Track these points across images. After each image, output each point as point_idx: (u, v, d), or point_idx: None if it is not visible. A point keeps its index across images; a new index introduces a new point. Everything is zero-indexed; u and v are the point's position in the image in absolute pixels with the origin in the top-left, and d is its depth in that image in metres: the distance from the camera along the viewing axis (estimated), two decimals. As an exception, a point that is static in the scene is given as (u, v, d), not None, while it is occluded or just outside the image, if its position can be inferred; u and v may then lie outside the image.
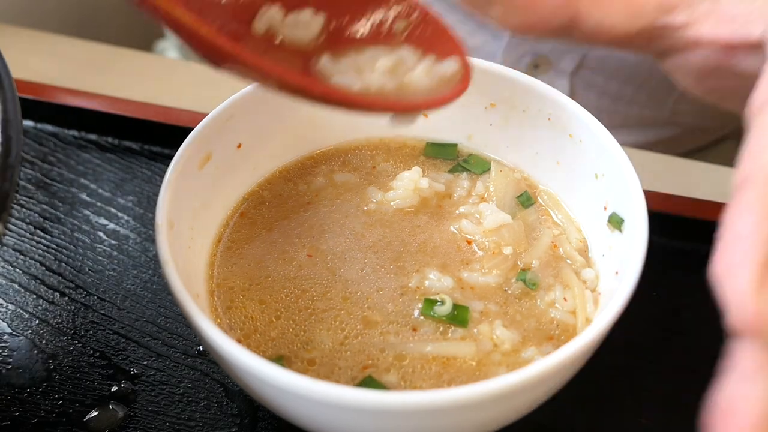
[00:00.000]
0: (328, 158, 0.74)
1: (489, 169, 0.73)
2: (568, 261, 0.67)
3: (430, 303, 0.64)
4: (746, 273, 0.49)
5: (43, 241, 0.78)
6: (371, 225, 0.69)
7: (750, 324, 0.49)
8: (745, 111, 0.58)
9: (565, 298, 0.65)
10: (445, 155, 0.74)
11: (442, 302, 0.64)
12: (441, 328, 0.63)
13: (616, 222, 0.65)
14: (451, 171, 0.73)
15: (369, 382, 0.60)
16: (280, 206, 0.71)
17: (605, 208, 0.66)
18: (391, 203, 0.71)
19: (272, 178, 0.73)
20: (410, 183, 0.71)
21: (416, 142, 0.75)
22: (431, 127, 0.75)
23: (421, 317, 0.63)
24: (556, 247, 0.68)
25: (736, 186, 0.54)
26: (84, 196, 0.82)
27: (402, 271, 0.66)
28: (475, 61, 0.71)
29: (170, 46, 1.26)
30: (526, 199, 0.71)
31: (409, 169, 0.72)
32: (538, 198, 0.71)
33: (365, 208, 0.71)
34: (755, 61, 0.61)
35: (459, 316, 0.63)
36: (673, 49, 0.67)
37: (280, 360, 0.61)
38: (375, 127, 0.75)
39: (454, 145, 0.75)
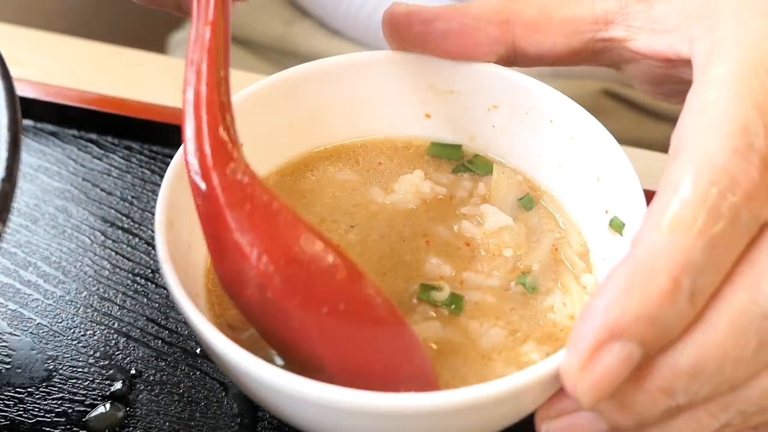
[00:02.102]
0: (330, 156, 0.74)
1: (492, 170, 0.72)
2: (568, 265, 0.67)
3: (426, 288, 0.64)
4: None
5: (43, 240, 0.78)
6: (371, 225, 0.69)
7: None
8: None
9: (564, 303, 0.65)
10: (449, 156, 0.74)
11: (440, 288, 0.64)
12: (440, 328, 0.63)
13: (617, 226, 0.65)
14: (453, 171, 0.73)
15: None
16: (281, 204, 0.71)
17: (606, 212, 0.66)
18: (393, 204, 0.70)
19: (273, 175, 0.73)
20: (411, 186, 0.71)
21: (421, 141, 0.75)
22: (433, 127, 0.74)
23: (417, 303, 0.64)
24: (557, 250, 0.68)
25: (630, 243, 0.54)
26: (83, 195, 0.82)
27: (401, 270, 0.66)
28: (476, 62, 0.71)
29: (185, 40, 1.24)
30: (527, 202, 0.71)
31: (411, 172, 0.72)
32: (540, 201, 0.71)
33: (366, 207, 0.70)
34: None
35: (454, 302, 0.64)
36: (621, 60, 0.66)
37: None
38: (379, 125, 0.75)
39: (459, 146, 0.74)
